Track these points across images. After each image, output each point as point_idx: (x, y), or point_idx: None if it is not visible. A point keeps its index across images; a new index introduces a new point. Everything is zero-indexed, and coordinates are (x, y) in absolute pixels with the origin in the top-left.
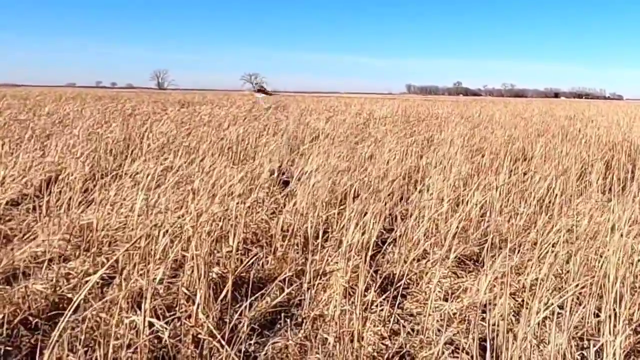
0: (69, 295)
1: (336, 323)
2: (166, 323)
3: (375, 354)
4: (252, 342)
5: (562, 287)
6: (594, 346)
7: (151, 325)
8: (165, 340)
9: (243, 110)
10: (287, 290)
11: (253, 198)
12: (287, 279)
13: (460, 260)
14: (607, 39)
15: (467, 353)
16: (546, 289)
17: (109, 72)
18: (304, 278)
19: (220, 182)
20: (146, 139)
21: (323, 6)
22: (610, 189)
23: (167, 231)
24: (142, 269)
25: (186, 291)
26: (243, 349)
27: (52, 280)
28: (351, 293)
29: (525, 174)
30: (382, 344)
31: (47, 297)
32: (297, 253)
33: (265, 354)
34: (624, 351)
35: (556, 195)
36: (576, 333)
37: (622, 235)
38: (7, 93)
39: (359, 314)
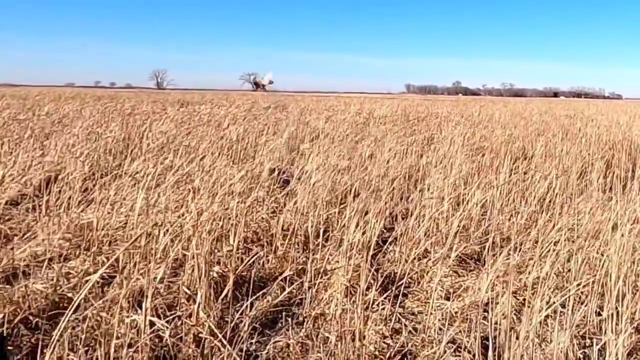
0: (70, 295)
1: (337, 322)
2: (167, 322)
3: (377, 352)
4: (253, 341)
5: (563, 285)
6: (597, 345)
7: (152, 324)
8: (166, 340)
9: (242, 109)
10: (288, 289)
11: (253, 197)
12: (288, 278)
13: (462, 259)
14: (606, 38)
15: (469, 352)
16: (548, 288)
17: (108, 72)
18: (305, 277)
19: (220, 181)
20: (146, 139)
21: (323, 6)
22: (611, 188)
23: (167, 230)
24: (142, 268)
25: (187, 290)
26: (244, 348)
27: (52, 280)
28: (352, 292)
29: (525, 173)
30: (384, 342)
31: (47, 296)
32: (298, 252)
33: (266, 353)
34: (627, 350)
35: (557, 194)
36: (578, 332)
37: (623, 235)
38: (6, 93)
39: (361, 312)
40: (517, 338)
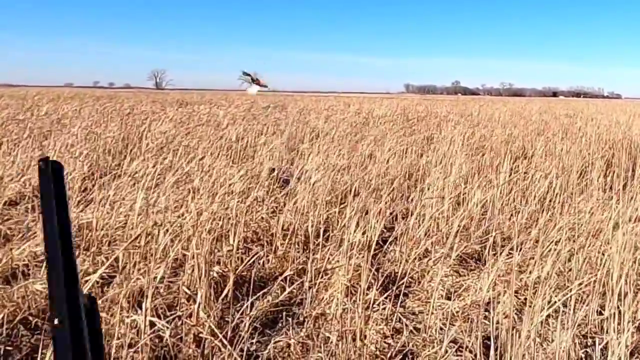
0: None
1: (338, 322)
2: (167, 322)
3: (377, 352)
4: (254, 341)
5: (564, 285)
6: (599, 344)
7: (152, 324)
8: (167, 340)
9: (242, 109)
10: (288, 289)
11: (253, 197)
12: (288, 278)
13: (462, 259)
14: (605, 38)
15: (471, 352)
16: (549, 287)
17: (107, 72)
18: (305, 277)
19: (220, 181)
20: (145, 139)
21: (322, 6)
22: (611, 187)
23: (167, 230)
24: (142, 268)
25: (187, 290)
26: (245, 348)
27: None
28: (353, 292)
29: (526, 172)
30: (385, 342)
31: (47, 296)
32: (298, 252)
33: (267, 353)
34: (629, 349)
35: (557, 193)
36: (580, 331)
37: (624, 234)
38: (5, 93)
39: (361, 312)
40: (519, 337)
